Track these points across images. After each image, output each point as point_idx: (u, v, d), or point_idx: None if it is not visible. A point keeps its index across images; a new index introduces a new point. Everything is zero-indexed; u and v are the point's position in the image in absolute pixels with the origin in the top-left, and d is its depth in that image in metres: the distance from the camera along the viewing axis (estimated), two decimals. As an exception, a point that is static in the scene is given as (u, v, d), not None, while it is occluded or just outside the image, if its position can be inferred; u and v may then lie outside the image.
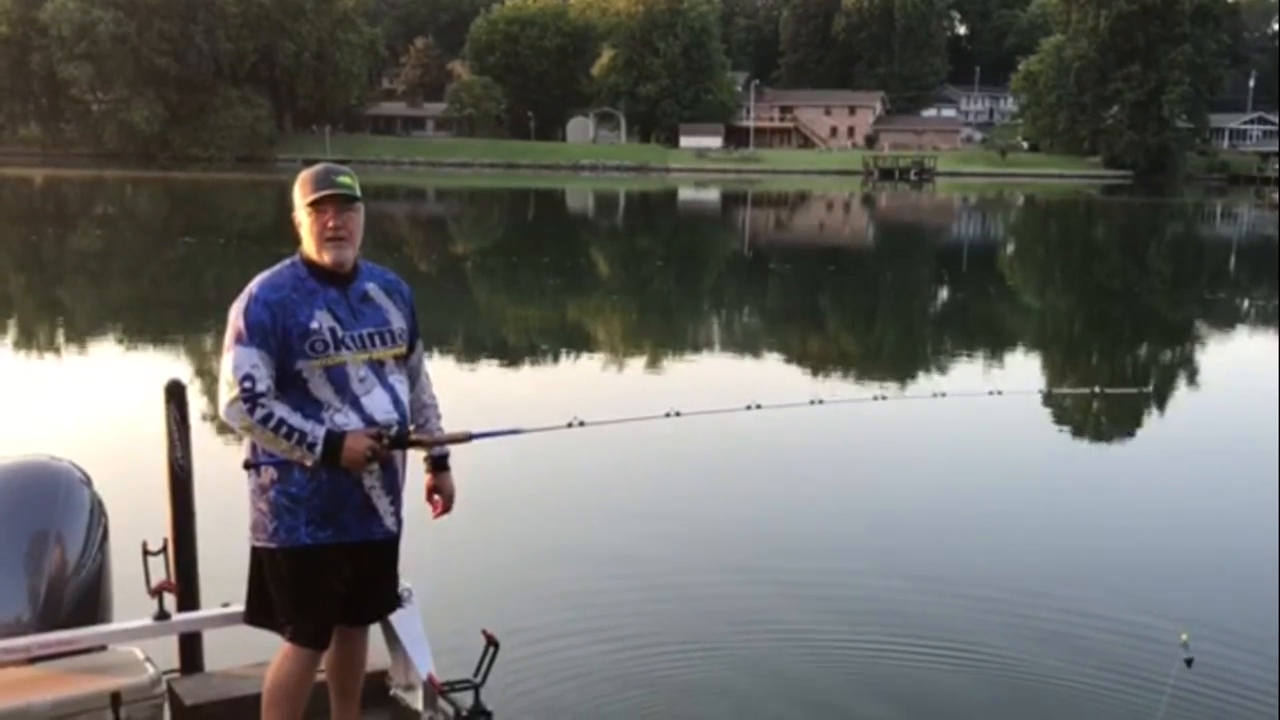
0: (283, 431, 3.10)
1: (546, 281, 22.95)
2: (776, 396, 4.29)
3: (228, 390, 3.13)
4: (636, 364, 14.37)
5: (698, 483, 8.63)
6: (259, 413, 3.10)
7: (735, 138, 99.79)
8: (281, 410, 3.12)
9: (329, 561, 3.25)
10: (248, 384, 3.10)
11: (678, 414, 3.87)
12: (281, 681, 3.32)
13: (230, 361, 3.14)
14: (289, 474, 3.18)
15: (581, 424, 3.60)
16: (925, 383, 13.51)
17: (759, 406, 4.07)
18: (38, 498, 3.75)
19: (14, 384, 11.74)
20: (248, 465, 3.24)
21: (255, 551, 3.32)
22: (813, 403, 4.48)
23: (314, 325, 3.17)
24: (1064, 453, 10.18)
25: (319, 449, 3.12)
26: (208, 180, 63.28)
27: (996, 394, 5.03)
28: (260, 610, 3.39)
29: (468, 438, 3.44)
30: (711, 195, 64.76)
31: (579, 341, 16.46)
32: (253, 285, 3.22)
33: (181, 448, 4.01)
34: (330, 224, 3.19)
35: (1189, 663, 4.83)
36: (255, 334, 3.13)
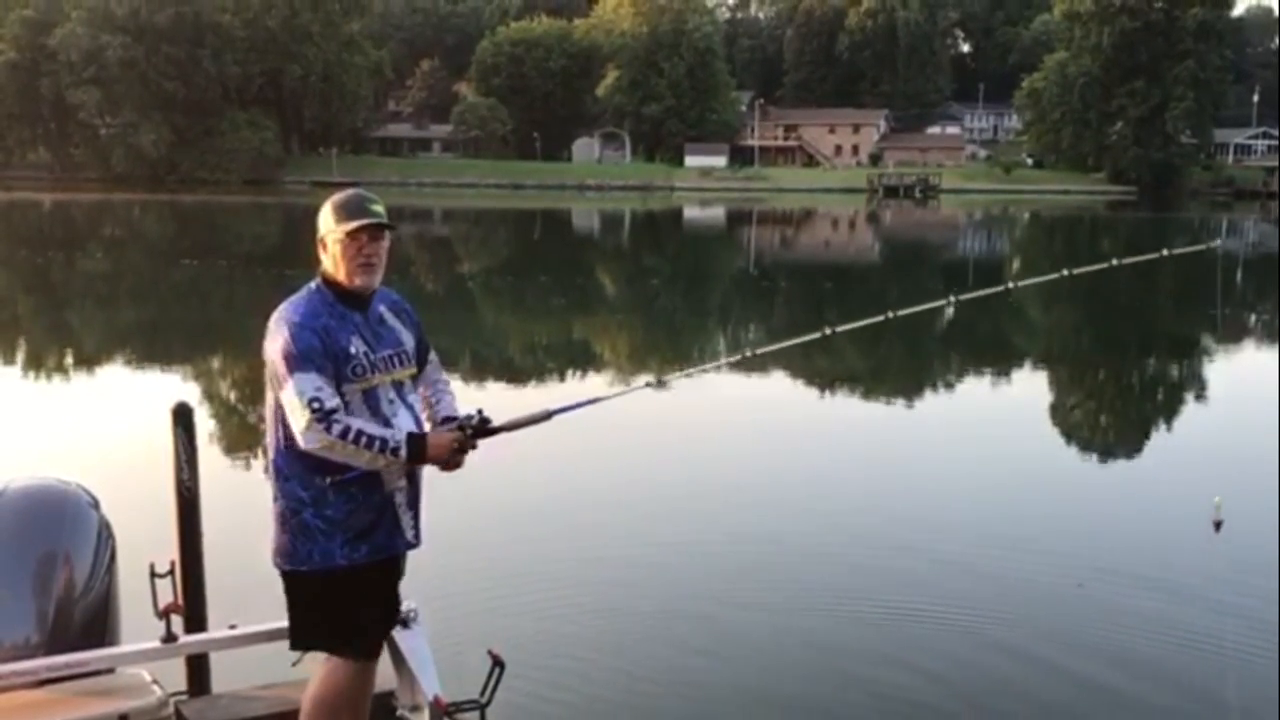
0: (364, 442, 3.12)
1: (554, 300, 22.99)
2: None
3: (300, 417, 3.11)
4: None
5: (709, 501, 8.59)
6: (336, 428, 3.11)
7: (740, 156, 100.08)
8: (357, 422, 3.15)
9: (365, 579, 3.30)
10: (317, 404, 3.10)
11: (749, 353, 3.75)
12: (324, 695, 3.35)
13: (293, 389, 3.12)
14: (324, 497, 3.21)
15: (661, 383, 3.69)
16: (937, 395, 13.51)
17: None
18: (46, 520, 3.76)
19: (22, 406, 11.78)
20: (335, 483, 3.21)
21: (289, 576, 3.33)
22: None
23: (352, 349, 3.23)
24: (1064, 466, 10.18)
25: (404, 452, 3.17)
26: (215, 203, 63.55)
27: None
28: (305, 633, 3.40)
29: (547, 415, 3.46)
30: (717, 214, 64.86)
31: (593, 358, 16.48)
32: (290, 314, 3.22)
33: (188, 470, 4.02)
34: (365, 250, 3.26)
35: (1218, 526, 4.97)
36: (311, 358, 3.14)
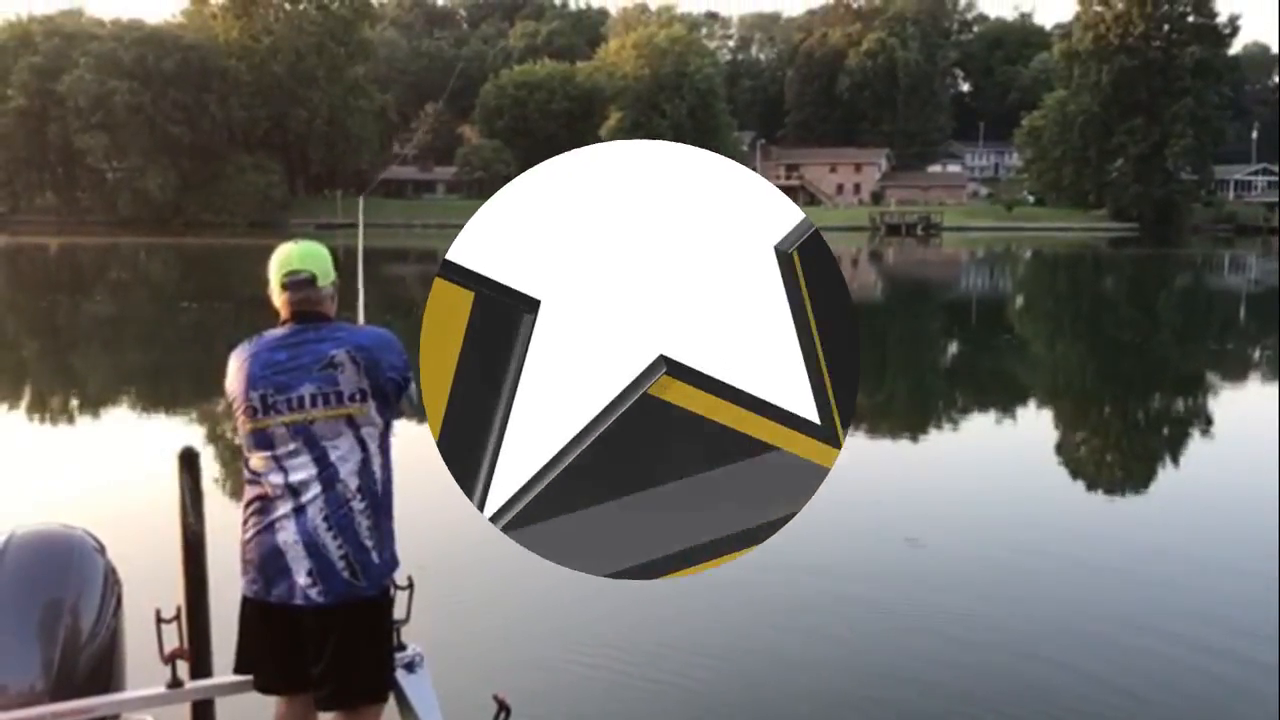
0: None
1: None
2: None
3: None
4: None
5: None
6: None
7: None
8: None
9: None
10: None
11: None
12: None
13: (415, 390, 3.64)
14: None
15: None
16: (938, 434, 13.50)
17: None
18: (51, 566, 3.76)
19: (28, 451, 11.80)
20: None
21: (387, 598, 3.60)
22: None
23: None
24: (1067, 501, 10.15)
25: None
26: (221, 245, 63.90)
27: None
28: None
29: None
30: (720, 253, 64.92)
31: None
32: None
33: (194, 514, 4.03)
34: None
35: None
36: None
